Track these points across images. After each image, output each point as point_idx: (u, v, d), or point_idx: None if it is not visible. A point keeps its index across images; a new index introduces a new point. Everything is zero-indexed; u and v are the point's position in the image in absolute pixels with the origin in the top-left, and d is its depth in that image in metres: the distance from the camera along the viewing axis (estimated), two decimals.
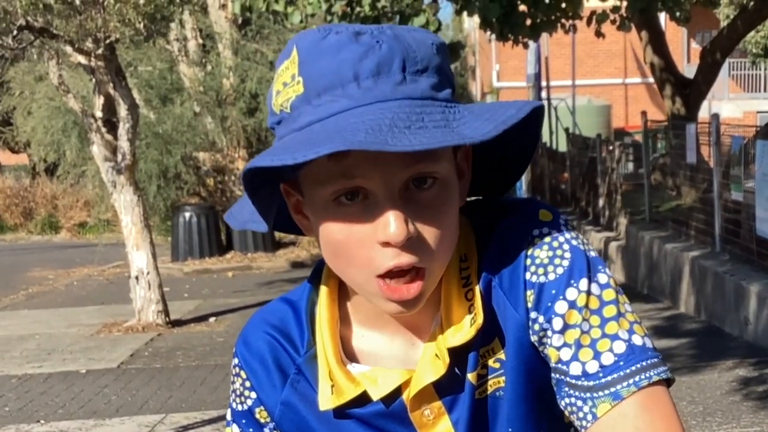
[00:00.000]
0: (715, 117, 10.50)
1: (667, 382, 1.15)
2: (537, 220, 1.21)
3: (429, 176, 1.13)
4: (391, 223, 1.10)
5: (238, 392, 1.33)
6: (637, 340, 1.15)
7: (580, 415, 1.15)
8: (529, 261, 1.19)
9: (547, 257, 1.18)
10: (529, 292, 1.18)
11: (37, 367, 9.02)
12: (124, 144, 10.16)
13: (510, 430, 1.23)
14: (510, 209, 1.23)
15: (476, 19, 11.49)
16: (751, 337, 8.25)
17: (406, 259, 1.11)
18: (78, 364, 9.05)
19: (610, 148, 14.98)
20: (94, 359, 9.23)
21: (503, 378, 1.21)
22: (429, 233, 1.12)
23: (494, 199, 1.28)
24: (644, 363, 1.14)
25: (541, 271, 1.18)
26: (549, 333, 1.17)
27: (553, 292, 1.17)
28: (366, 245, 1.12)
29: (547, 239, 1.19)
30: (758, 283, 8.33)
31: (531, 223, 1.21)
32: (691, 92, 14.84)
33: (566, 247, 1.19)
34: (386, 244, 1.11)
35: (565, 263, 1.17)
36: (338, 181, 1.11)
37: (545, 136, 19.78)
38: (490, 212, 1.25)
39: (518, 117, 1.10)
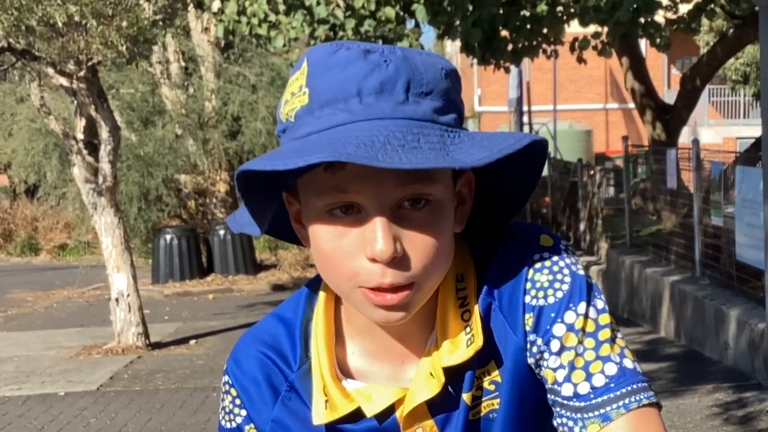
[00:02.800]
0: (696, 142, 10.57)
1: (657, 407, 1.17)
2: (538, 245, 1.23)
3: (423, 197, 1.14)
4: (379, 240, 1.11)
5: (227, 409, 1.33)
6: (628, 363, 1.17)
7: None
8: (529, 284, 1.21)
9: (547, 281, 1.20)
10: (527, 315, 1.20)
11: (16, 390, 8.95)
12: (105, 166, 10.14)
13: None
14: (511, 234, 1.25)
15: (458, 43, 11.54)
16: (731, 361, 8.27)
17: (389, 279, 1.12)
18: (57, 387, 8.99)
19: (591, 172, 15.04)
20: (73, 382, 9.16)
21: (497, 400, 1.23)
22: (417, 253, 1.13)
23: (496, 224, 1.29)
24: (634, 386, 1.15)
25: (540, 294, 1.20)
26: (546, 355, 1.18)
27: (552, 315, 1.18)
28: (353, 258, 1.13)
29: (548, 264, 1.21)
30: (738, 307, 8.35)
31: (532, 247, 1.23)
32: (672, 118, 14.93)
33: (566, 271, 1.21)
34: (373, 260, 1.12)
35: (565, 287, 1.19)
36: (332, 193, 1.12)
37: None
38: (491, 236, 1.26)
39: (514, 147, 1.11)
